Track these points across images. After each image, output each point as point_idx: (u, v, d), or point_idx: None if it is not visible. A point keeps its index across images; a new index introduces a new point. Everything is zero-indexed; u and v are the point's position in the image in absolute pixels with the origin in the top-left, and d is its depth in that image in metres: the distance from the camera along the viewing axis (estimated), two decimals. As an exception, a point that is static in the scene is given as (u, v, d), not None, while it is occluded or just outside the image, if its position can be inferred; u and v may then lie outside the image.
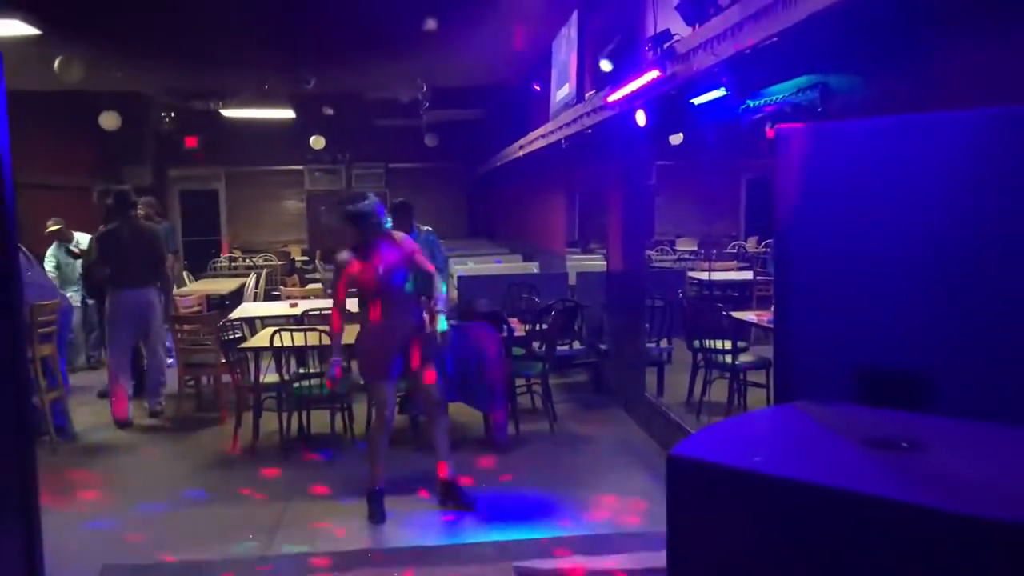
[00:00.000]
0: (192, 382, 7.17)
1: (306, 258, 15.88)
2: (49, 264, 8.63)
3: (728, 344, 5.92)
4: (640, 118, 5.87)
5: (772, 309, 3.08)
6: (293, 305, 7.84)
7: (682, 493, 1.93)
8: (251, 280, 10.83)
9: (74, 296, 8.43)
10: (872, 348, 2.55)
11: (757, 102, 4.38)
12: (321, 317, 7.08)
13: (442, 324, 4.49)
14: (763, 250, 9.64)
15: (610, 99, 6.11)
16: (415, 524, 4.55)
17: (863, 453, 1.85)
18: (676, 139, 7.56)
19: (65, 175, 11.53)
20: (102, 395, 7.29)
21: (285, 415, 5.95)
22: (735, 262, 10.26)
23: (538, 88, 10.09)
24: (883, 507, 1.57)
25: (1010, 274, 2.30)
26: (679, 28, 4.89)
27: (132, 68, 10.32)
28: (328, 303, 7.89)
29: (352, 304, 4.75)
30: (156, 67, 10.53)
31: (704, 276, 8.72)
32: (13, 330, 2.23)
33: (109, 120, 11.71)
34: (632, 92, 5.63)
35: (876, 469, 1.76)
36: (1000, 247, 2.32)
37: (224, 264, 14.64)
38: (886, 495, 1.59)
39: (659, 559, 1.96)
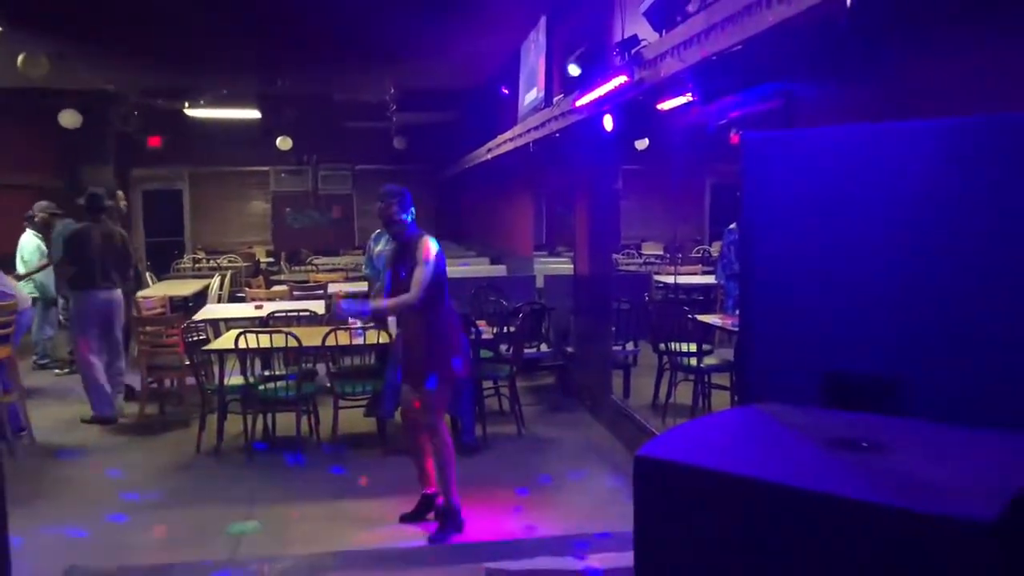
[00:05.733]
0: (155, 384, 7.08)
1: (271, 259, 15.74)
2: (31, 248, 8.54)
3: (693, 347, 5.99)
4: (607, 123, 5.92)
5: (734, 312, 3.12)
6: (258, 307, 7.79)
7: (649, 493, 1.96)
8: (215, 281, 10.72)
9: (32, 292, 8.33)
10: (834, 352, 2.60)
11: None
12: (286, 319, 7.04)
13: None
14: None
15: (578, 103, 6.15)
16: (383, 526, 4.54)
17: (825, 453, 1.89)
18: (642, 144, 7.63)
19: (25, 174, 11.34)
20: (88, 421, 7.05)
21: (250, 417, 5.91)
22: (700, 266, 10.36)
23: (506, 92, 10.11)
24: (845, 506, 1.61)
25: (971, 280, 2.37)
26: (647, 34, 4.94)
27: (96, 65, 10.17)
28: (292, 305, 7.87)
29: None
30: (121, 65, 10.38)
31: (670, 279, 8.80)
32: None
33: (69, 118, 11.51)
34: (600, 97, 5.67)
35: (838, 469, 1.80)
36: (962, 254, 2.38)
37: (187, 265, 14.47)
38: (848, 494, 1.62)
39: (627, 559, 1.99)
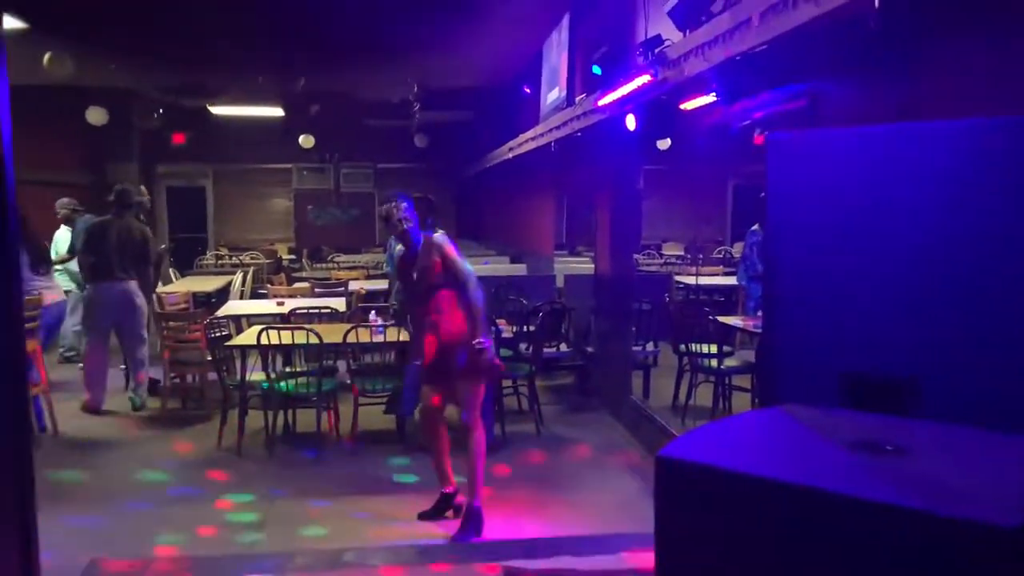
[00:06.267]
0: (178, 379, 7.14)
1: (293, 256, 15.83)
2: (63, 242, 8.76)
3: (714, 348, 5.96)
4: (630, 122, 5.90)
5: (755, 314, 3.10)
6: (280, 303, 7.83)
7: (670, 494, 1.95)
8: (238, 278, 10.80)
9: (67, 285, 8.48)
10: (858, 354, 2.58)
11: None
12: (308, 316, 7.07)
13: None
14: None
15: (601, 103, 6.13)
16: (402, 523, 4.55)
17: (848, 455, 1.87)
18: (664, 144, 7.61)
19: (51, 171, 11.47)
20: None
21: (271, 413, 5.94)
22: (721, 267, 10.30)
23: (528, 91, 10.11)
24: (867, 508, 1.60)
25: (996, 282, 2.34)
26: (671, 33, 4.92)
27: (121, 64, 10.27)
28: (314, 302, 7.92)
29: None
30: (146, 63, 10.47)
31: (691, 280, 8.75)
32: (12, 327, 2.22)
33: (96, 116, 11.64)
34: (623, 96, 5.66)
35: (861, 471, 1.78)
36: (988, 255, 2.35)
37: (210, 262, 14.58)
38: (870, 497, 1.61)
39: (647, 559, 1.98)
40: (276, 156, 16.16)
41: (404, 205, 4.36)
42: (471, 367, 4.31)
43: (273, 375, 5.97)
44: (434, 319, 4.35)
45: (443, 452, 4.56)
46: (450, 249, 4.33)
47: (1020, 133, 2.34)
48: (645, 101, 5.58)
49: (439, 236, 4.42)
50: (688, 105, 5.35)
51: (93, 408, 6.85)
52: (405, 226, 4.37)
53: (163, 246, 8.98)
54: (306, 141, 14.65)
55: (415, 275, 4.40)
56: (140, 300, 6.98)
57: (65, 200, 8.96)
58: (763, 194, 2.78)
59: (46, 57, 8.48)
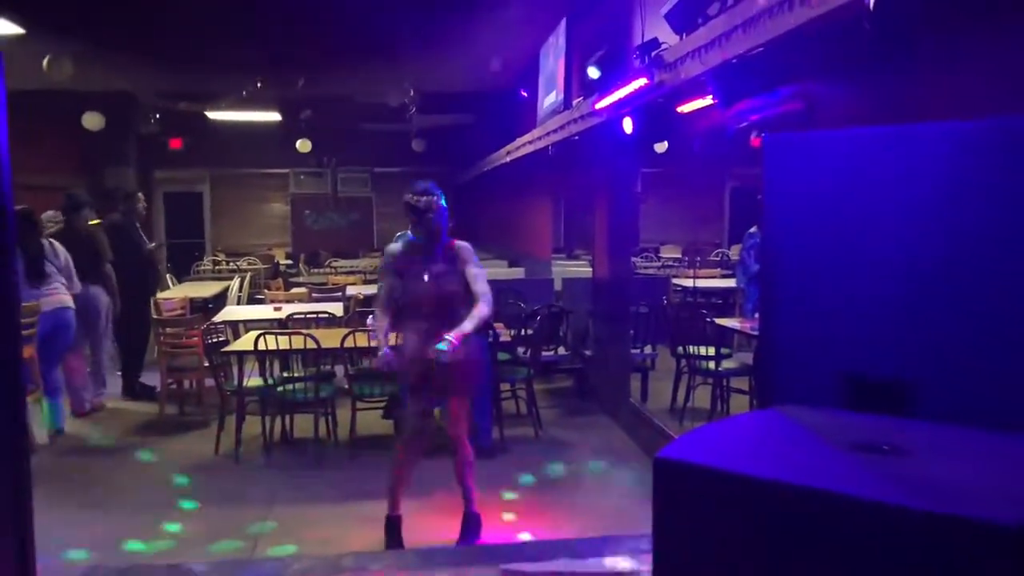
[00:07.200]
0: (175, 385, 7.13)
1: (290, 262, 15.82)
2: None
3: (711, 350, 5.96)
4: (627, 126, 5.91)
5: (753, 316, 3.10)
6: (277, 309, 7.83)
7: (668, 495, 1.95)
8: (235, 283, 10.79)
9: None
10: (855, 355, 2.58)
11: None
12: (305, 321, 7.07)
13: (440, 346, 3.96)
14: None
15: (598, 106, 6.14)
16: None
17: (846, 456, 1.87)
18: (661, 147, 7.64)
19: (47, 176, 11.45)
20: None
21: (268, 419, 5.93)
22: (719, 269, 10.33)
23: (525, 94, 10.11)
24: (866, 508, 1.60)
25: (991, 283, 2.34)
26: (667, 37, 4.93)
27: (118, 69, 10.28)
28: (311, 307, 7.91)
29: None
30: (142, 68, 10.48)
31: (688, 283, 8.77)
32: (8, 331, 2.22)
33: (93, 120, 11.64)
34: (620, 99, 5.66)
35: (859, 472, 1.78)
36: (983, 256, 2.36)
37: (207, 267, 14.57)
38: (869, 497, 1.61)
39: (645, 562, 1.98)
40: (273, 161, 16.15)
41: (440, 204, 4.21)
42: (462, 381, 4.20)
43: (271, 380, 5.96)
44: (437, 327, 4.13)
45: (406, 479, 4.33)
46: (473, 258, 4.25)
47: (1017, 133, 2.34)
48: (642, 104, 5.59)
49: (467, 245, 4.28)
50: (685, 108, 5.36)
51: (77, 413, 6.86)
52: (438, 227, 4.20)
53: (154, 244, 8.89)
54: (303, 146, 14.64)
55: (427, 276, 4.18)
56: (101, 301, 6.97)
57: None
58: (760, 196, 2.78)
59: (45, 60, 8.48)
